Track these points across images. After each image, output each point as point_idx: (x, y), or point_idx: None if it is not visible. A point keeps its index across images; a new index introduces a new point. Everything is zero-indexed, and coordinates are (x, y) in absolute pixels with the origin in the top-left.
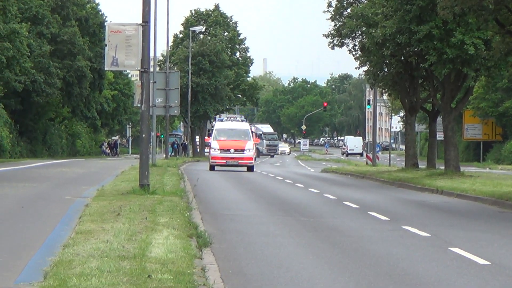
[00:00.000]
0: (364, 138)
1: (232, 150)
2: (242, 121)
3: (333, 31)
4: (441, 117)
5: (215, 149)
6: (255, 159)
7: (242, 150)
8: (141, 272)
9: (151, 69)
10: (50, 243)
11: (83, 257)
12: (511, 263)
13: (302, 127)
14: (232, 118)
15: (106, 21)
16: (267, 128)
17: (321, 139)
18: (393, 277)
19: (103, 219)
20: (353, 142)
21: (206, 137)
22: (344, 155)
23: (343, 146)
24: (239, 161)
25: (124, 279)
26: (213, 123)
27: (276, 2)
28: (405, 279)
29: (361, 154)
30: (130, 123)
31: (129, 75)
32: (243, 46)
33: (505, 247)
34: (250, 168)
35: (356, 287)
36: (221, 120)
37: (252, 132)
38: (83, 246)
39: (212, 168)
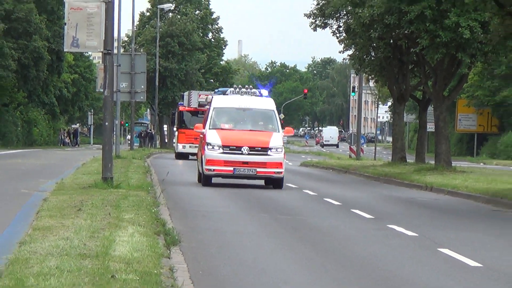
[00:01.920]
0: (347, 129)
1: (245, 149)
2: (261, 96)
3: (315, 11)
4: (432, 106)
5: (213, 147)
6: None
7: (265, 149)
8: (104, 272)
9: (115, 51)
10: (5, 240)
11: (41, 255)
12: (504, 266)
13: (280, 116)
14: (243, 91)
15: None
16: None
17: (301, 129)
18: (377, 280)
19: (63, 215)
20: (329, 133)
21: (175, 126)
22: (319, 145)
23: (319, 137)
24: (258, 170)
25: (85, 279)
26: (188, 101)
27: None
28: (390, 282)
29: (337, 146)
30: (92, 110)
31: (91, 57)
32: (216, 26)
33: (499, 249)
34: (277, 183)
35: None
36: (224, 93)
37: (278, 116)
38: (41, 243)
39: (207, 180)
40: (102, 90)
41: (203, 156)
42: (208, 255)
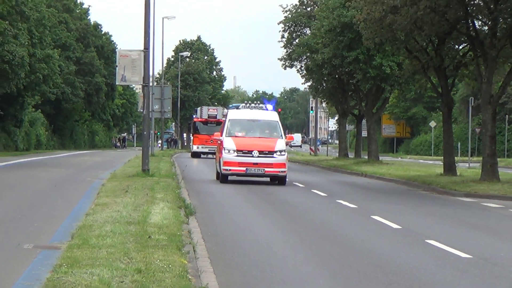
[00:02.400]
0: (308, 135)
1: (255, 153)
2: (267, 110)
3: (285, 56)
4: (365, 119)
5: (229, 151)
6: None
7: (271, 153)
8: (143, 234)
9: (150, 84)
10: (76, 212)
11: (100, 222)
12: (417, 227)
13: None
14: (252, 106)
15: (117, 48)
16: None
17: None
18: (328, 236)
19: (115, 195)
20: (295, 138)
21: (191, 133)
22: (288, 146)
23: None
24: (266, 169)
25: (131, 239)
26: (200, 114)
27: (244, 32)
28: (336, 238)
29: (301, 146)
30: (135, 124)
31: (134, 88)
32: (219, 67)
33: (413, 216)
34: (281, 180)
35: (301, 244)
36: (237, 108)
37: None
38: (100, 214)
39: (224, 178)
40: (142, 110)
41: (221, 159)
42: (214, 221)
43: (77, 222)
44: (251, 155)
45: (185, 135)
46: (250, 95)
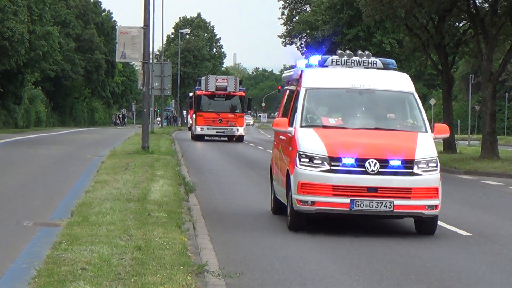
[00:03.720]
0: None
1: (372, 163)
2: (387, 68)
3: (285, 33)
4: None
5: (311, 159)
6: None
7: (409, 164)
8: (143, 211)
9: (150, 61)
10: (76, 190)
11: (100, 200)
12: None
13: (262, 104)
14: (354, 60)
15: (117, 25)
16: None
17: (276, 113)
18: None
19: (115, 172)
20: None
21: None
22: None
23: None
24: (396, 202)
25: (130, 216)
26: (206, 85)
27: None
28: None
29: None
30: (135, 101)
31: (134, 65)
32: (219, 44)
33: None
34: (429, 226)
35: None
36: (323, 65)
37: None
38: (100, 192)
39: (299, 222)
40: (141, 88)
41: (291, 176)
42: (214, 198)
43: (77, 199)
44: (363, 169)
45: (185, 112)
46: (250, 72)
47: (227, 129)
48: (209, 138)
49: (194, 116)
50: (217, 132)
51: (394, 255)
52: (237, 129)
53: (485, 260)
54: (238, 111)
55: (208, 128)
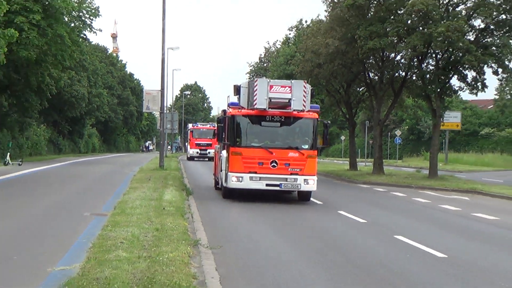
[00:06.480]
0: None
1: None
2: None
3: None
4: None
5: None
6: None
7: None
8: (159, 206)
9: (164, 111)
10: (117, 193)
11: (132, 199)
12: (334, 203)
13: None
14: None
15: (143, 88)
16: None
17: None
18: (291, 224)
19: (142, 182)
20: None
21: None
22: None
23: None
24: None
25: (151, 210)
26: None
27: (225, 79)
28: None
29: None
30: (155, 136)
31: (154, 114)
32: (208, 100)
33: (331, 196)
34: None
35: (263, 207)
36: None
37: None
38: (132, 194)
39: None
40: (159, 128)
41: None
42: (204, 198)
43: (118, 199)
44: None
45: (187, 144)
46: None
47: (286, 179)
48: (198, 160)
49: (226, 155)
50: (268, 185)
51: (295, 219)
52: (304, 180)
53: (370, 234)
54: (307, 146)
55: (252, 179)
